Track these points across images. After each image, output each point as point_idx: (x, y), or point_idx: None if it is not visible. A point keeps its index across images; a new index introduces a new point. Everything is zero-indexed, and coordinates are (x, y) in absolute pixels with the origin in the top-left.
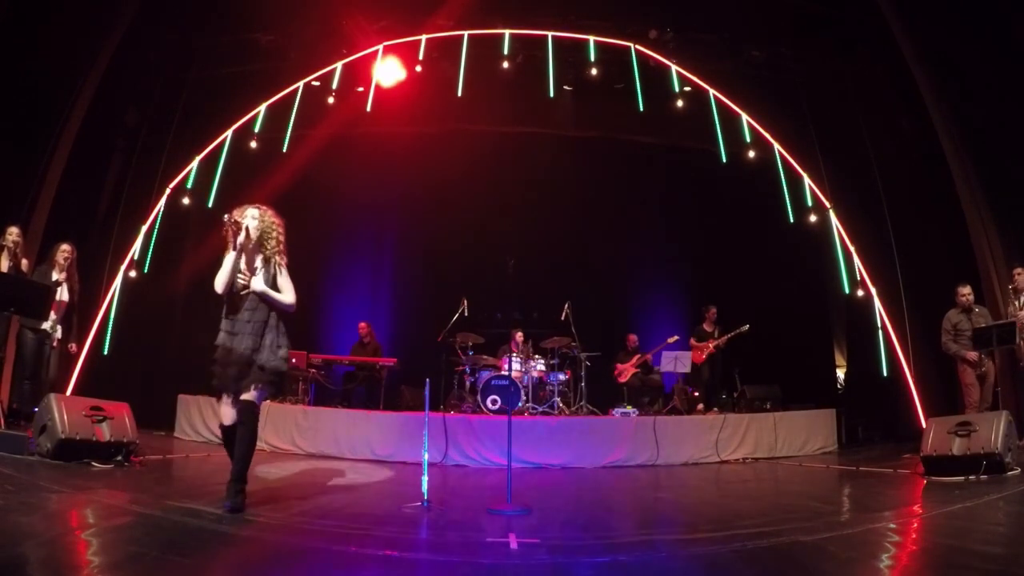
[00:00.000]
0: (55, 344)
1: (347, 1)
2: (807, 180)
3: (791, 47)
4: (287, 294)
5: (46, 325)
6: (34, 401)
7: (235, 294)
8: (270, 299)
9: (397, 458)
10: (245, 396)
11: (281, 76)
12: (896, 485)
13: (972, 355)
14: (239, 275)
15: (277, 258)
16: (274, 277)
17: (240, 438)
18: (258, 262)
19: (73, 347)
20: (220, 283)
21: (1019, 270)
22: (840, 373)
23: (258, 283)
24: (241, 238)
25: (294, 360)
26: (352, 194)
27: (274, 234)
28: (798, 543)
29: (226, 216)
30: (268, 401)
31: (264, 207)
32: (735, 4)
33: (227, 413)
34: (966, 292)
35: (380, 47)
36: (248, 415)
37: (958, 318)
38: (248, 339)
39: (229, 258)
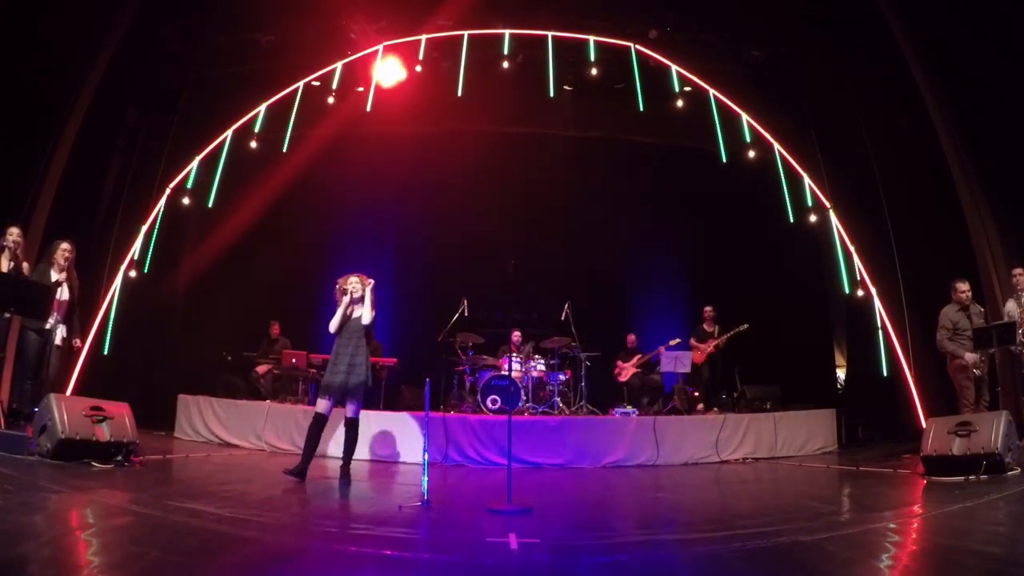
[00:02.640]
0: (59, 343)
1: (347, 1)
2: (807, 180)
3: (791, 47)
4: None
5: (48, 325)
6: (34, 401)
7: (343, 328)
8: (368, 325)
9: (397, 458)
10: (349, 415)
11: (281, 76)
12: (896, 485)
13: (971, 357)
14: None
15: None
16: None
17: (348, 440)
18: (359, 307)
19: (78, 342)
20: (333, 326)
21: (1018, 271)
22: (840, 373)
23: (367, 317)
24: (347, 299)
25: (294, 360)
26: (352, 194)
27: (369, 292)
28: (798, 543)
29: (337, 286)
30: (268, 401)
31: (361, 275)
32: (735, 4)
33: (322, 405)
34: (965, 288)
35: (380, 47)
36: (352, 425)
37: (957, 316)
38: (346, 356)
39: (340, 310)
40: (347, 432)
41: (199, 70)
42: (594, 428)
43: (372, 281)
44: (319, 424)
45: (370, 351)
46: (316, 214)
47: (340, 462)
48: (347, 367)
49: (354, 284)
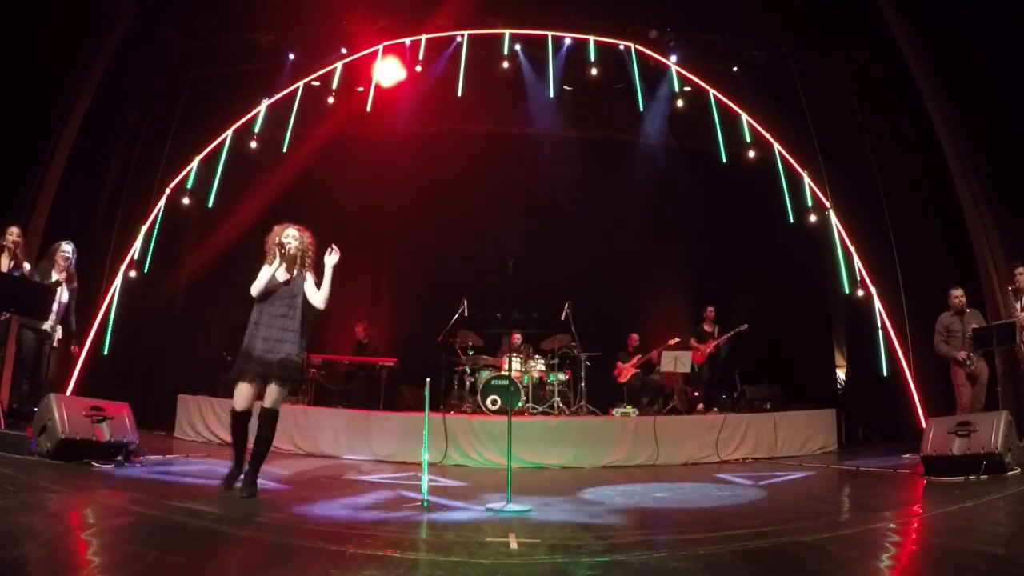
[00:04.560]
0: (56, 344)
1: (347, 1)
2: (807, 180)
3: (791, 47)
4: (320, 299)
5: (47, 325)
6: (34, 401)
7: (269, 295)
8: (318, 308)
9: (397, 458)
10: (267, 403)
11: (281, 76)
12: (896, 485)
13: (960, 354)
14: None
15: (310, 273)
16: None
17: (261, 438)
18: (294, 273)
19: (75, 348)
20: (257, 288)
21: (1020, 270)
22: (840, 373)
23: (318, 298)
24: (278, 256)
25: None
26: (352, 194)
27: (310, 252)
28: (798, 543)
29: (277, 239)
30: None
31: (302, 228)
32: (735, 4)
33: (241, 395)
34: (958, 294)
35: (380, 47)
36: (270, 418)
37: (950, 320)
38: (275, 321)
39: (268, 269)
40: (260, 427)
41: (199, 70)
42: (594, 428)
43: (336, 251)
44: (242, 422)
45: (370, 352)
46: (316, 214)
47: (332, 461)
48: (274, 338)
49: (291, 238)
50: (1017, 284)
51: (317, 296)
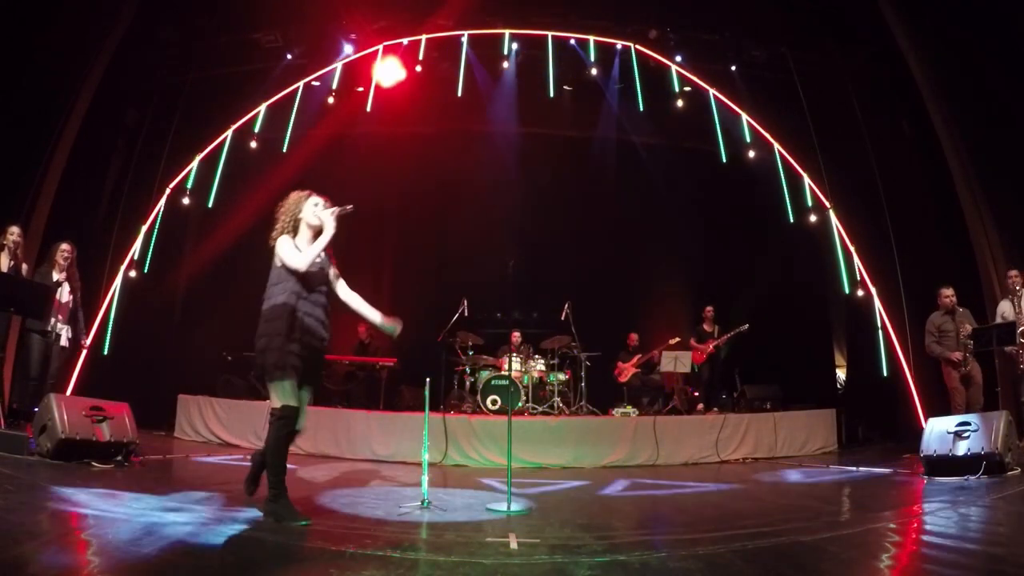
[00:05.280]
0: (65, 344)
1: (347, 1)
2: (807, 180)
3: (791, 47)
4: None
5: (50, 326)
6: (35, 401)
7: (306, 280)
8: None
9: (397, 458)
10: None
11: (281, 76)
12: (896, 485)
13: (956, 355)
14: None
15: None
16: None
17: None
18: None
19: (86, 341)
20: (305, 263)
21: (1013, 272)
22: (840, 373)
23: (346, 294)
24: (330, 231)
25: None
26: (352, 194)
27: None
28: (798, 543)
29: (323, 214)
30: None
31: (327, 198)
32: (735, 4)
33: (293, 393)
34: (949, 294)
35: (380, 47)
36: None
37: (941, 320)
38: (320, 310)
39: (324, 237)
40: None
41: (199, 70)
42: (594, 428)
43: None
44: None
45: (371, 352)
46: None
47: (332, 461)
48: (317, 333)
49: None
50: (1012, 286)
51: (347, 295)
